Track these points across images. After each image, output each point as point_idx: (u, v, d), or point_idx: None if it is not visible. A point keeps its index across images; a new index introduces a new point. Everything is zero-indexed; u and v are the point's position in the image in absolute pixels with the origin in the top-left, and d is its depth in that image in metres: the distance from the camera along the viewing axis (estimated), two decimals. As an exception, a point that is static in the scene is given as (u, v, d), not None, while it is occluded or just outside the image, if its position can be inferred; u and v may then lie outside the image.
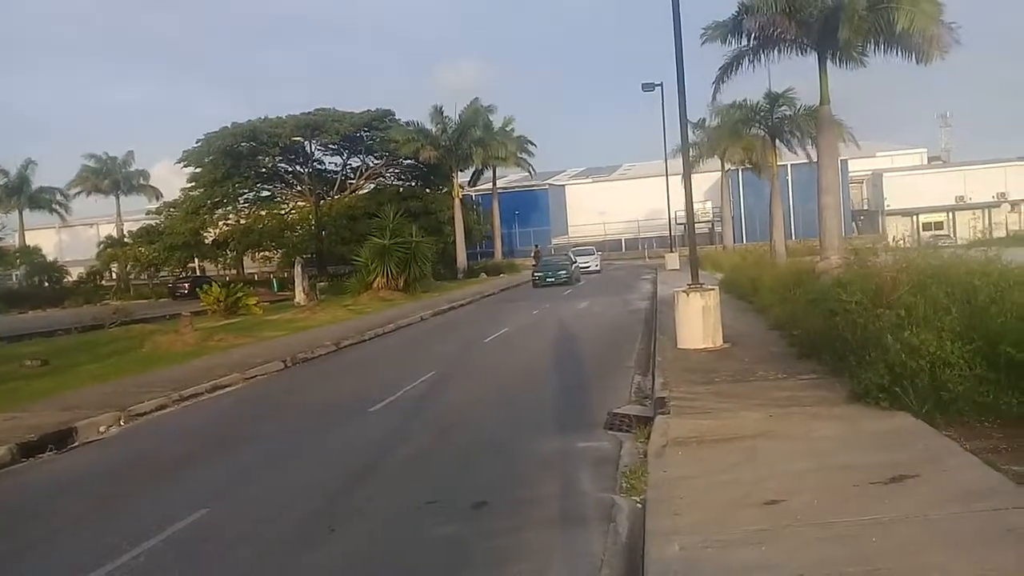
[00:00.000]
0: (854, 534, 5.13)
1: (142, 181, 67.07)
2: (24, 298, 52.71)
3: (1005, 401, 7.54)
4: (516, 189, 71.60)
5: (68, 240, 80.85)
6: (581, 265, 46.13)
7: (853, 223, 66.12)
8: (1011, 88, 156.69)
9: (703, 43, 22.51)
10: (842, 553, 4.87)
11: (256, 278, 58.66)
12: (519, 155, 57.83)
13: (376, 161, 59.00)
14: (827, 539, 5.11)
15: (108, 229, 68.58)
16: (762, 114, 36.11)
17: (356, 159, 59.22)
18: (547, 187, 75.77)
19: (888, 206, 65.84)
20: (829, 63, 21.56)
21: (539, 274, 39.12)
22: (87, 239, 75.76)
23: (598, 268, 50.57)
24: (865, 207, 71.44)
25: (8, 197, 63.04)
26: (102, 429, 11.35)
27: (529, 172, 61.33)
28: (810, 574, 4.61)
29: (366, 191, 58.14)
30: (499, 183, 63.93)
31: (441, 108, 52.57)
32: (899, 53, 20.48)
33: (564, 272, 38.88)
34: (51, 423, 11.11)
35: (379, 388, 12.91)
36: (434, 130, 52.48)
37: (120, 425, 11.63)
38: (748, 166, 45.64)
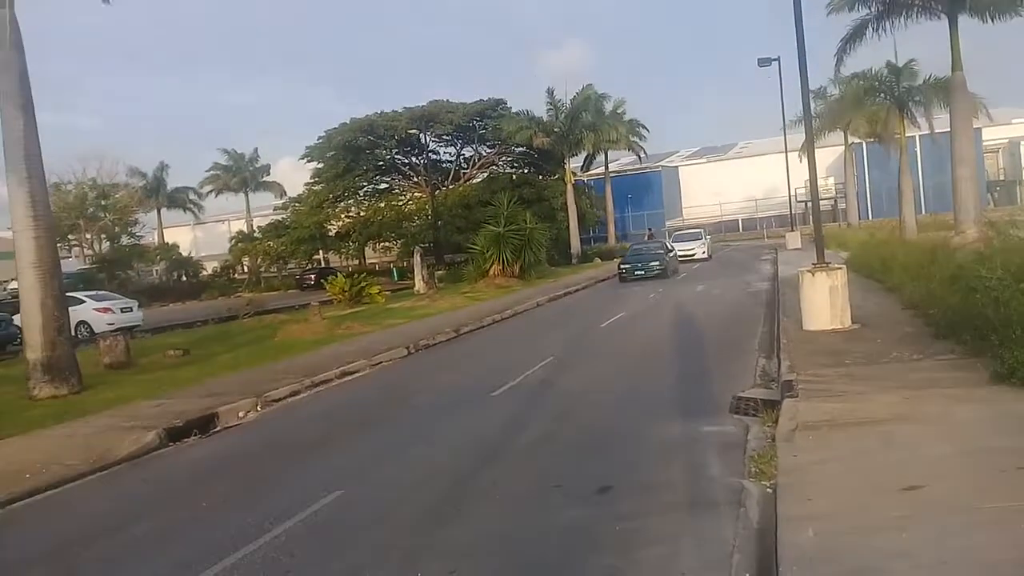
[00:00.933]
0: (1002, 520, 4.89)
1: (267, 178, 70.24)
2: (164, 292, 56.06)
3: None
4: (628, 172, 70.79)
5: (202, 236, 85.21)
6: (683, 253, 40.31)
7: (988, 195, 62.28)
8: None
9: (828, 13, 21.78)
10: (990, 540, 4.65)
11: (377, 268, 60.28)
12: (631, 138, 57.12)
13: (488, 150, 59.51)
14: (973, 526, 4.89)
15: (239, 225, 72.19)
16: (887, 84, 34.45)
17: (469, 149, 59.95)
18: (660, 169, 74.61)
19: (1028, 176, 61.71)
20: (962, 21, 20.39)
21: (626, 266, 33.14)
22: (219, 235, 79.71)
23: (706, 255, 42.76)
24: (1001, 178, 67.17)
25: (147, 197, 66.99)
26: (241, 414, 11.96)
27: (639, 155, 60.49)
28: (955, 562, 4.43)
29: (479, 180, 58.73)
30: (611, 167, 63.36)
31: (553, 91, 52.56)
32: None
33: (656, 263, 32.65)
34: (194, 409, 11.80)
35: (500, 373, 13.08)
36: (545, 117, 52.48)
37: (257, 410, 12.23)
38: (872, 139, 43.66)
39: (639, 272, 32.30)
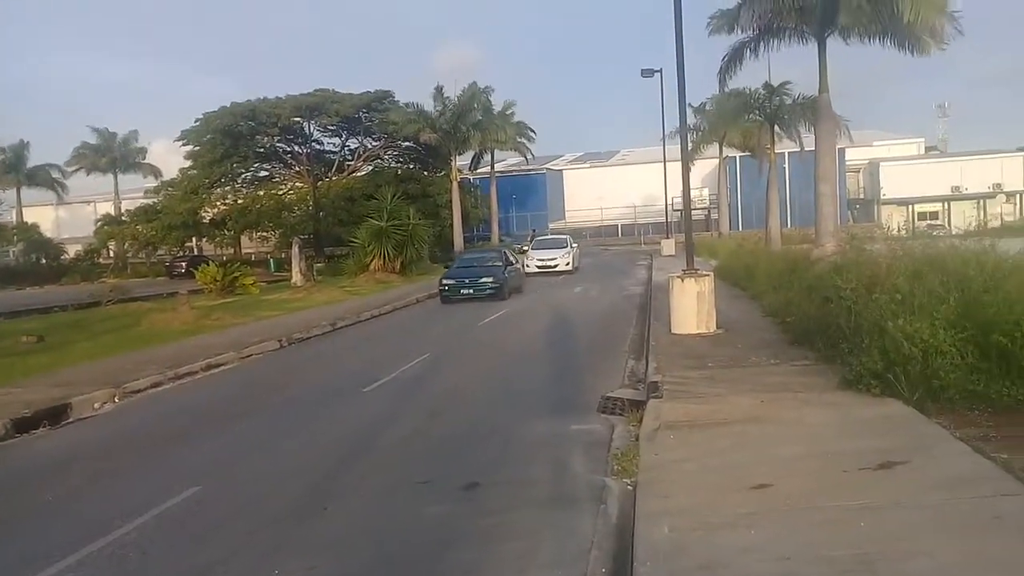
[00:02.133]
0: (843, 519, 5.17)
1: (141, 159, 66.96)
2: (21, 275, 52.68)
3: (995, 390, 7.60)
4: (514, 173, 71.36)
5: (66, 218, 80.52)
6: (542, 263, 34.69)
7: (849, 212, 66.09)
8: (1008, 79, 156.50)
9: (710, 34, 22.51)
10: (830, 537, 4.91)
11: (253, 258, 58.50)
12: (518, 139, 57.58)
13: (375, 143, 58.81)
14: (815, 523, 5.15)
15: (106, 207, 68.43)
16: (760, 101, 36.07)
17: (354, 140, 59.06)
18: (545, 171, 75.55)
19: (884, 195, 65.83)
20: (830, 46, 21.51)
21: (448, 283, 25.19)
22: (85, 217, 75.54)
23: (571, 266, 35.03)
24: (861, 196, 71.41)
25: (5, 173, 62.83)
26: (97, 406, 11.38)
27: (526, 157, 61.07)
28: (798, 558, 4.65)
29: (364, 173, 57.97)
30: (497, 167, 63.67)
31: (442, 88, 52.32)
32: (895, 45, 20.43)
33: (489, 280, 24.83)
34: (45, 399, 11.13)
35: (374, 369, 12.93)
36: (433, 112, 52.21)
37: (115, 402, 11.66)
38: (746, 153, 45.56)
39: (466, 291, 24.56)
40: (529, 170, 70.94)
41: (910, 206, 64.86)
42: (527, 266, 33.37)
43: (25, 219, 65.16)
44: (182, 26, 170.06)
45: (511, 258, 28.44)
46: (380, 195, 38.84)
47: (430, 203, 50.24)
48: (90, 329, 20.50)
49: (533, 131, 59.09)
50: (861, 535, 4.90)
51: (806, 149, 35.24)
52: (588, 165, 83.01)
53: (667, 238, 47.34)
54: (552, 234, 44.32)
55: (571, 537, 5.56)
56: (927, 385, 7.74)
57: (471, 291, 24.41)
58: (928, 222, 60.23)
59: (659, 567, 4.67)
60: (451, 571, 5.27)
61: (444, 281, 25.29)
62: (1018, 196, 65.81)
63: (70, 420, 10.75)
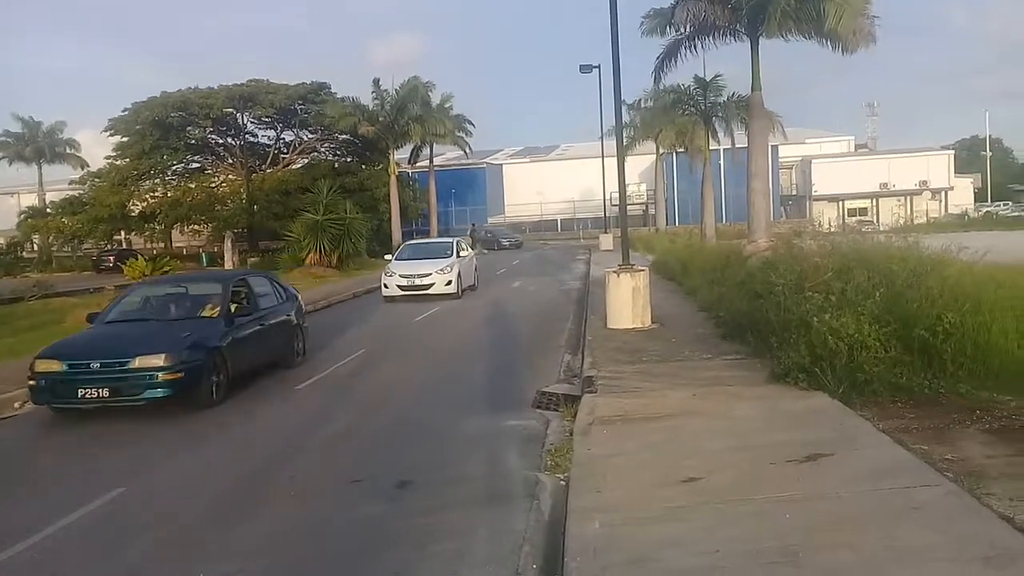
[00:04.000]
0: (769, 511, 5.26)
1: (69, 150, 64.76)
2: (-63, 269, 50.47)
3: (917, 382, 7.85)
4: (453, 167, 71.11)
5: (-13, 209, 77.49)
6: (407, 282, 22.25)
7: (782, 208, 67.52)
8: (935, 79, 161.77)
9: (643, 35, 22.69)
10: (757, 529, 4.99)
11: (185, 252, 57.07)
12: (457, 133, 57.36)
13: (311, 135, 57.88)
14: (743, 516, 5.23)
15: (30, 199, 66.01)
16: (695, 98, 36.56)
17: (290, 133, 58.01)
18: (484, 166, 75.47)
19: (816, 192, 67.50)
20: (762, 46, 21.89)
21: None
22: (7, 209, 72.66)
23: (455, 288, 22.32)
24: (794, 192, 73.02)
25: (-81, 163, 60.22)
26: (17, 405, 11.01)
27: (465, 151, 60.89)
28: (726, 550, 4.71)
29: (300, 166, 57.00)
30: (437, 161, 63.30)
31: (379, 81, 51.76)
32: (825, 43, 20.90)
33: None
34: (-39, 399, 10.68)
35: (307, 366, 12.74)
36: (371, 105, 51.63)
37: (36, 402, 11.21)
38: (682, 150, 46.17)
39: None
40: (469, 164, 70.77)
41: (841, 202, 66.64)
42: (384, 286, 22.56)
43: (-57, 211, 62.59)
44: (111, 12, 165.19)
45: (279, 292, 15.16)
46: (316, 188, 38.28)
47: (368, 197, 49.68)
48: (12, 325, 19.74)
49: (472, 124, 58.98)
50: (787, 527, 4.99)
51: (739, 147, 35.88)
52: (528, 159, 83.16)
53: (605, 233, 47.68)
54: (413, 243, 27.77)
55: (503, 534, 5.53)
56: (852, 378, 7.94)
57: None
58: (858, 218, 62.08)
59: (590, 562, 4.68)
60: (382, 572, 5.21)
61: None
62: (943, 193, 68.17)
63: (-12, 420, 10.32)
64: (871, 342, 8.07)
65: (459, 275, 22.54)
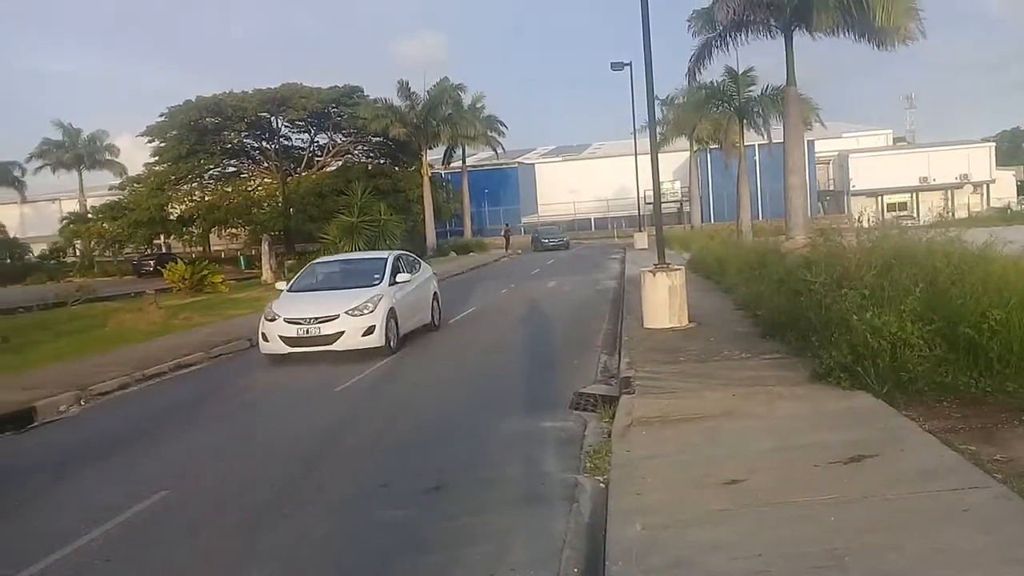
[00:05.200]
0: (813, 514, 5.17)
1: (108, 156, 66.02)
2: (-17, 274, 51.73)
3: (963, 381, 7.66)
4: (486, 167, 71.29)
5: (31, 215, 79.18)
6: (298, 330, 13.43)
7: (819, 203, 66.74)
8: (975, 70, 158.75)
9: (694, 35, 23.02)
10: (801, 532, 4.91)
11: (223, 255, 57.95)
12: (489, 133, 57.53)
13: (344, 138, 58.42)
14: (787, 518, 5.15)
15: (71, 205, 67.41)
16: (728, 93, 36.26)
17: (324, 136, 58.63)
18: (517, 165, 75.55)
19: (854, 187, 66.51)
20: (797, 38, 21.70)
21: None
22: (50, 215, 74.32)
23: (379, 338, 13.56)
24: (831, 187, 72.09)
25: (-37, 171, 61.75)
26: (62, 408, 11.16)
27: (496, 151, 60.99)
28: (769, 554, 4.64)
29: (334, 168, 57.56)
30: (469, 161, 63.58)
31: (407, 84, 52.03)
32: (867, 39, 20.63)
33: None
34: (10, 402, 10.88)
35: (345, 368, 12.81)
36: (403, 107, 51.97)
37: (81, 405, 11.44)
38: (716, 146, 45.82)
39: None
40: (501, 164, 70.90)
41: (879, 197, 65.59)
42: (262, 336, 13.91)
43: (-13, 217, 64.10)
44: (146, 20, 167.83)
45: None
46: (350, 190, 38.55)
47: (401, 198, 50.00)
48: (56, 330, 20.16)
49: (504, 125, 59.20)
50: (832, 530, 4.90)
51: (775, 142, 35.49)
52: (560, 159, 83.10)
53: (640, 231, 47.43)
54: (321, 261, 17.93)
55: (543, 537, 5.51)
56: (896, 378, 7.79)
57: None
58: (897, 213, 61.06)
59: (631, 566, 4.64)
60: (423, 574, 5.22)
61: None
62: (985, 186, 66.81)
63: (35, 424, 10.53)
64: (914, 340, 7.90)
65: (389, 315, 13.93)
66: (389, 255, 16.00)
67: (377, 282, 14.54)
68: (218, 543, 6.03)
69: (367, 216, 35.88)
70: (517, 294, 24.05)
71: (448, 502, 6.48)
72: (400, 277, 15.02)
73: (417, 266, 16.91)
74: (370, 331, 13.43)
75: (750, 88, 35.69)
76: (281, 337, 13.53)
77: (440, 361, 13.63)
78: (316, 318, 13.44)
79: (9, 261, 58.10)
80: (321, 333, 13.33)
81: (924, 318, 8.15)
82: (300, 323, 13.45)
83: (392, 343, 13.89)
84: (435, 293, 17.03)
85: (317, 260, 18.15)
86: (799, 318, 10.29)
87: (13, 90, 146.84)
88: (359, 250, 33.31)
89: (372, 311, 13.58)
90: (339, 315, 13.40)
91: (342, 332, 13.28)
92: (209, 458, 8.49)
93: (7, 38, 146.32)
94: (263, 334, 13.86)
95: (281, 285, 16.01)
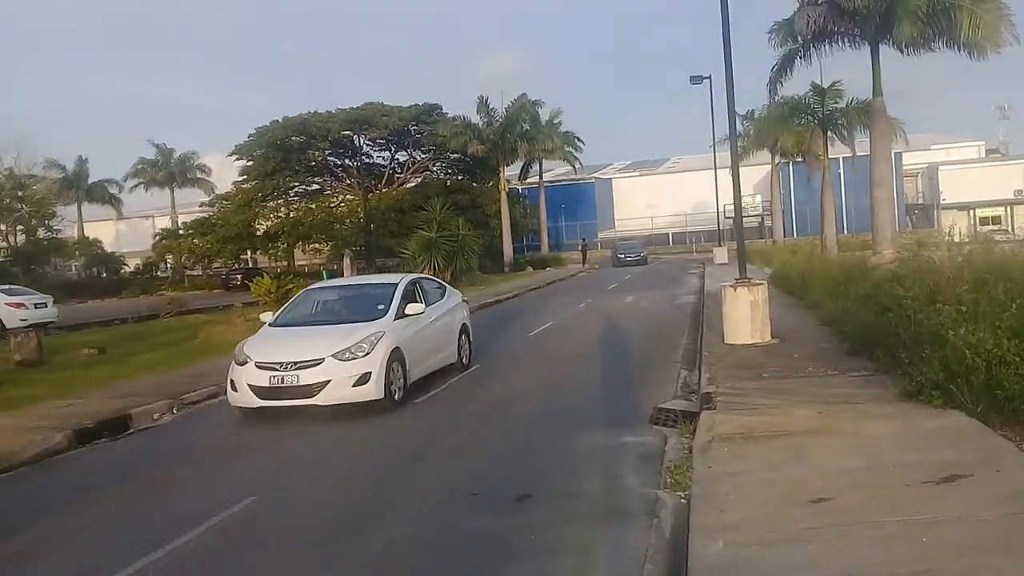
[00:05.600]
0: (905, 534, 5.03)
1: (199, 175, 68.66)
2: (83, 288, 54.18)
3: (1063, 401, 7.34)
4: (563, 183, 71.40)
5: (126, 232, 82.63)
6: (274, 382, 10.32)
7: (907, 217, 64.66)
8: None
9: (776, 48, 22.76)
10: (892, 553, 4.78)
11: (307, 270, 59.29)
12: (566, 148, 57.66)
13: (423, 155, 59.39)
14: (876, 539, 5.01)
15: (163, 221, 70.29)
16: (811, 106, 35.52)
17: (404, 153, 59.74)
18: (594, 180, 75.41)
19: (944, 200, 64.19)
20: (885, 51, 21.19)
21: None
22: (144, 231, 77.51)
23: (376, 388, 10.45)
24: (920, 201, 69.81)
25: (66, 190, 64.74)
26: (156, 416, 11.59)
27: (574, 166, 61.06)
28: (858, 574, 4.54)
29: (413, 184, 58.59)
30: (546, 176, 63.83)
31: (487, 100, 52.62)
32: (956, 48, 19.99)
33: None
34: (106, 410, 11.38)
35: (424, 379, 12.95)
36: (480, 124, 52.55)
37: (173, 413, 11.87)
38: (799, 159, 44.88)
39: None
40: (578, 179, 70.90)
41: (971, 211, 63.12)
42: (231, 384, 10.84)
43: (87, 234, 67.14)
44: (236, 45, 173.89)
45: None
46: (429, 206, 39.17)
47: (479, 213, 50.50)
48: (149, 341, 20.98)
49: (581, 140, 59.23)
50: (924, 551, 4.77)
51: (860, 155, 34.58)
52: (638, 173, 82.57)
53: (719, 246, 46.71)
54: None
55: (624, 552, 5.51)
56: (991, 396, 7.51)
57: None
58: (990, 227, 58.67)
59: (714, 583, 4.60)
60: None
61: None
62: (1082, 199, 63.69)
63: (130, 431, 10.97)
64: (1011, 357, 7.61)
65: (393, 357, 10.92)
66: (401, 279, 12.97)
67: (381, 314, 11.56)
68: (307, 547, 6.18)
69: (446, 231, 36.39)
70: (594, 309, 23.98)
71: (532, 513, 6.51)
72: (412, 308, 11.95)
73: (440, 293, 14.15)
74: (364, 379, 10.40)
75: (835, 101, 34.84)
76: (250, 386, 10.51)
77: (521, 374, 13.67)
78: (295, 363, 10.37)
79: (105, 275, 60.75)
80: (300, 383, 10.28)
81: (1021, 335, 7.84)
82: (275, 369, 10.39)
83: (396, 394, 10.93)
84: (464, 325, 14.25)
85: (313, 286, 15.08)
86: (887, 334, 10.00)
87: (116, 114, 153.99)
88: (438, 265, 33.91)
89: (367, 354, 10.51)
90: (324, 359, 10.37)
91: (327, 381, 10.26)
92: (293, 467, 8.72)
93: (116, 64, 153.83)
94: (232, 381, 10.85)
95: (266, 316, 12.54)
